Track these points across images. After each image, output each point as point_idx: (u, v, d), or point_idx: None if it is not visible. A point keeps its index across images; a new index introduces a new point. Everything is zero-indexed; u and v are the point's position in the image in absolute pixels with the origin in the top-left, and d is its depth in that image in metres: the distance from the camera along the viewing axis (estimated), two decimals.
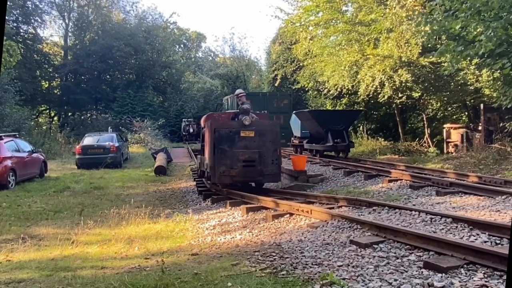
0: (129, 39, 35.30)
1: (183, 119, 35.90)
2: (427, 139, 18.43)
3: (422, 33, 11.58)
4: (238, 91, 10.70)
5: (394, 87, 15.66)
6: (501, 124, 12.94)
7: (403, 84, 15.39)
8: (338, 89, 17.95)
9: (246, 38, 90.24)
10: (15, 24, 30.79)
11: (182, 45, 50.52)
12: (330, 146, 14.76)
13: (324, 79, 18.54)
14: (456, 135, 15.65)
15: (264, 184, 9.45)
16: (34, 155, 13.78)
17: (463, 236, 4.43)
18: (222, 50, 53.94)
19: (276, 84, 29.08)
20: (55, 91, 36.53)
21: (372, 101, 19.49)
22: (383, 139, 20.02)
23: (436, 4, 10.68)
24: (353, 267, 3.82)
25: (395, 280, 3.40)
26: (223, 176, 8.35)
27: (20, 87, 23.83)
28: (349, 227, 5.18)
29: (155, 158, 18.01)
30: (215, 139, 8.38)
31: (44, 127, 30.44)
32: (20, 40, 30.81)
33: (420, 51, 13.60)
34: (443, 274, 3.44)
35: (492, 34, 8.60)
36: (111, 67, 36.97)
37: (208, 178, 9.18)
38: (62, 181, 13.41)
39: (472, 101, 15.93)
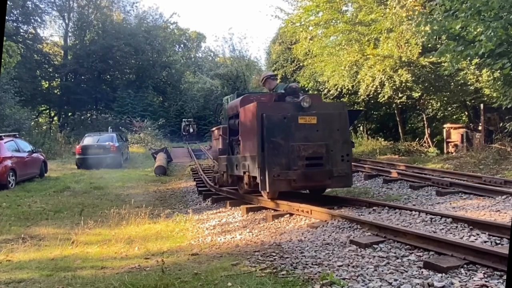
0: (129, 39, 35.33)
1: (183, 119, 35.93)
2: (427, 139, 18.43)
3: (422, 33, 11.57)
4: (266, 73, 8.43)
5: (394, 87, 15.65)
6: (501, 124, 12.94)
7: (403, 84, 15.38)
8: (338, 89, 17.94)
9: (246, 38, 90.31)
10: (15, 24, 30.80)
11: (182, 45, 50.51)
12: None
13: (324, 79, 18.53)
14: (456, 135, 15.65)
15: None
16: (34, 155, 13.78)
17: (463, 236, 4.43)
18: (222, 50, 54.04)
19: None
20: (55, 91, 36.55)
21: (372, 101, 19.48)
22: (383, 139, 20.02)
23: (436, 4, 10.68)
24: (353, 267, 3.82)
25: (395, 280, 3.40)
26: (277, 182, 6.19)
27: (20, 87, 23.86)
28: (349, 227, 5.18)
29: (155, 158, 18.01)
30: (264, 129, 6.24)
31: (44, 127, 30.43)
32: (20, 40, 30.84)
33: (420, 51, 13.60)
34: (443, 274, 3.44)
35: (492, 34, 8.60)
36: (111, 67, 37.00)
37: (250, 185, 6.98)
38: (62, 181, 13.41)
39: (472, 101, 15.93)
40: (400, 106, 19.41)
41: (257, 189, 6.80)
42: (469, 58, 10.36)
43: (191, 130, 34.85)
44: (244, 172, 7.03)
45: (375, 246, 4.36)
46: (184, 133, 34.75)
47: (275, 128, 6.28)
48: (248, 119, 6.86)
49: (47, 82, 36.75)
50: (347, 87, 17.39)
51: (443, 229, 4.75)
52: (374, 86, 15.67)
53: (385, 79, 15.40)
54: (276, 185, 6.27)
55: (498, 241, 4.22)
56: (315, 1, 17.16)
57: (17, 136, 14.21)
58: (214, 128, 10.51)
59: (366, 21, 15.57)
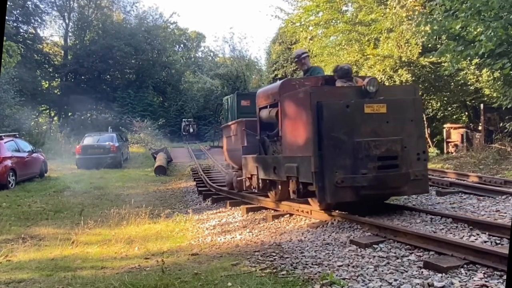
0: (129, 39, 35.35)
1: (183, 119, 35.93)
2: (427, 139, 18.42)
3: (422, 33, 11.58)
4: (299, 50, 7.25)
5: None
6: (501, 124, 12.94)
7: (403, 84, 15.36)
8: None
9: (246, 38, 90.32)
10: (15, 24, 30.81)
11: (182, 45, 50.51)
12: None
13: None
14: (456, 135, 15.64)
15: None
16: (34, 155, 13.79)
17: (463, 236, 4.43)
18: (222, 50, 53.91)
19: None
20: (55, 91, 36.55)
21: None
22: None
23: (436, 4, 10.69)
24: (353, 267, 3.82)
25: (395, 280, 3.40)
26: (341, 190, 4.95)
27: (20, 87, 23.84)
28: (349, 227, 5.18)
29: (155, 158, 18.02)
30: (322, 122, 4.97)
31: (44, 127, 30.37)
32: (20, 40, 30.83)
33: (420, 51, 13.60)
34: (443, 274, 3.44)
35: (492, 34, 8.60)
36: (111, 67, 37.01)
37: (299, 193, 5.58)
38: (62, 181, 13.41)
39: (472, 101, 15.93)
40: None
41: (307, 198, 5.74)
42: (469, 58, 10.36)
43: (191, 130, 34.87)
44: (289, 177, 5.65)
45: (375, 246, 4.36)
46: (184, 133, 34.77)
47: (336, 120, 4.98)
48: (295, 109, 5.48)
49: (47, 82, 36.75)
50: None
51: (443, 229, 4.75)
52: None
53: (385, 79, 15.39)
54: (340, 194, 4.96)
55: (498, 241, 4.21)
56: (315, 1, 17.17)
57: (17, 136, 14.22)
58: (231, 123, 9.32)
59: (366, 21, 15.58)
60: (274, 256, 4.36)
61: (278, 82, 6.33)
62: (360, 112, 5.06)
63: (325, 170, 4.97)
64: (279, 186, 6.40)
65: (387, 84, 15.46)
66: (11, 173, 11.74)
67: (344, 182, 4.95)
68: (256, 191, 7.12)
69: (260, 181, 6.74)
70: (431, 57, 11.74)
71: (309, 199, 5.87)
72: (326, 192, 5.01)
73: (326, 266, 3.90)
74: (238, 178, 7.91)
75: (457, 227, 4.77)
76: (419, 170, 5.27)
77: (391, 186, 5.16)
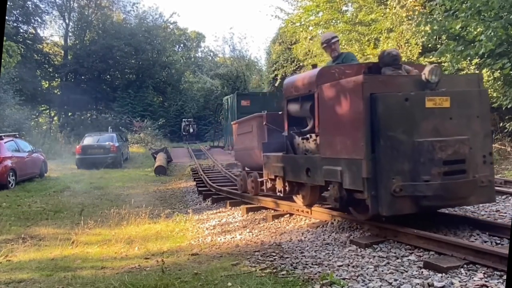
0: (129, 39, 35.35)
1: (183, 119, 35.95)
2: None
3: (422, 33, 11.58)
4: (328, 34, 6.27)
5: None
6: (501, 124, 12.94)
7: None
8: None
9: (246, 38, 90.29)
10: (15, 24, 30.80)
11: (182, 45, 50.53)
12: None
13: None
14: None
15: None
16: (34, 155, 13.79)
17: (463, 236, 4.43)
18: (222, 50, 53.94)
19: (276, 84, 29.11)
20: (55, 91, 36.54)
21: None
22: None
23: (436, 4, 10.69)
24: (353, 267, 3.82)
25: (395, 280, 3.41)
26: (399, 200, 4.16)
27: (20, 87, 23.86)
28: (349, 227, 5.18)
29: (155, 158, 18.03)
30: (378, 118, 4.19)
31: (44, 127, 30.46)
32: (20, 40, 30.84)
33: (420, 51, 13.59)
34: (443, 274, 3.44)
35: (492, 34, 8.61)
36: (111, 67, 37.01)
37: (342, 201, 4.78)
38: (62, 181, 13.42)
39: None
40: None
41: (351, 207, 4.97)
42: (469, 58, 10.35)
43: (191, 130, 34.88)
44: (330, 182, 4.87)
45: (375, 246, 4.36)
46: (184, 133, 34.78)
47: (394, 115, 4.19)
48: (339, 102, 4.61)
49: (47, 82, 36.76)
50: None
51: (443, 229, 4.75)
52: None
53: None
54: (397, 205, 4.17)
55: (498, 241, 4.22)
56: (315, 1, 17.18)
57: (17, 136, 14.22)
58: (245, 118, 8.46)
59: (366, 21, 15.58)
60: (274, 256, 4.36)
61: (314, 70, 5.41)
62: (421, 107, 4.25)
63: (379, 176, 4.18)
64: (309, 190, 5.73)
65: None
66: (11, 173, 11.74)
67: (403, 191, 4.14)
68: (281, 195, 6.28)
69: (286, 183, 6.00)
70: (431, 57, 11.74)
71: (354, 211, 5.06)
72: (380, 203, 4.18)
73: (326, 266, 3.90)
74: (260, 180, 7.09)
75: (457, 227, 4.77)
76: (486, 175, 4.50)
77: (459, 196, 4.32)
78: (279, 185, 6.16)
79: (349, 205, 4.96)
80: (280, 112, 6.58)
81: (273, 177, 6.32)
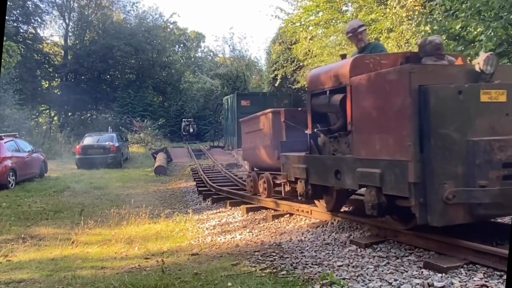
0: (129, 39, 35.33)
1: (183, 119, 35.95)
2: None
3: (422, 33, 11.57)
4: (353, 23, 6.02)
5: None
6: None
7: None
8: None
9: (246, 38, 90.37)
10: (15, 24, 30.79)
11: (181, 45, 50.54)
12: None
13: None
14: None
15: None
16: (34, 155, 13.79)
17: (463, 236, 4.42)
18: (222, 50, 53.93)
19: (276, 84, 29.10)
20: (55, 91, 36.53)
21: None
22: None
23: (436, 4, 10.69)
24: (353, 267, 3.83)
25: (395, 280, 3.41)
26: (451, 208, 3.63)
27: (20, 87, 23.86)
28: (349, 227, 5.18)
29: (155, 158, 18.03)
30: (427, 113, 3.67)
31: (44, 127, 30.43)
32: (20, 40, 30.82)
33: None
34: (443, 274, 3.44)
35: (492, 34, 8.60)
36: (111, 67, 37.01)
37: (380, 209, 4.14)
38: (62, 181, 13.42)
39: None
40: None
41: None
42: (469, 58, 10.35)
43: (191, 130, 34.89)
44: (367, 186, 4.28)
45: (375, 246, 4.37)
46: (184, 133, 34.79)
47: (446, 110, 3.67)
48: (379, 96, 4.09)
49: (47, 82, 36.75)
50: None
51: (443, 229, 4.75)
52: None
53: None
54: (449, 214, 3.64)
55: (498, 241, 4.21)
56: (315, 1, 17.17)
57: (17, 136, 14.22)
58: (257, 114, 7.79)
59: (366, 21, 15.57)
60: (274, 256, 4.36)
61: (346, 61, 4.83)
62: (475, 101, 3.74)
63: (429, 180, 3.64)
64: (335, 194, 5.32)
65: None
66: (11, 173, 11.74)
67: (456, 198, 3.59)
68: (303, 199, 5.72)
69: (309, 186, 5.42)
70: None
71: (389, 217, 4.57)
72: (430, 211, 3.65)
73: (326, 266, 3.90)
74: (281, 181, 6.47)
75: (457, 227, 4.77)
76: None
77: None
78: (300, 188, 5.55)
79: (388, 213, 4.42)
80: (299, 109, 6.24)
81: (293, 179, 5.76)
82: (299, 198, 5.72)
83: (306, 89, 5.46)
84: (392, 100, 3.92)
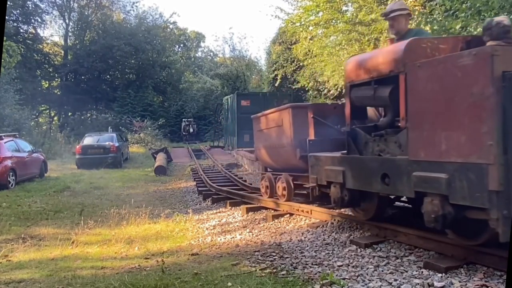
0: (129, 39, 35.35)
1: (183, 119, 35.97)
2: None
3: None
4: (394, 5, 4.75)
5: None
6: None
7: None
8: (339, 89, 17.92)
9: (246, 38, 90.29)
10: (15, 24, 30.80)
11: (181, 45, 50.55)
12: None
13: (324, 79, 18.51)
14: None
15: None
16: (34, 155, 13.79)
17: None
18: (222, 50, 53.94)
19: (276, 84, 29.09)
20: (55, 91, 36.54)
21: None
22: None
23: (436, 4, 10.69)
24: (353, 267, 3.83)
25: (395, 280, 3.41)
26: None
27: (20, 86, 23.85)
28: (349, 227, 5.18)
29: (155, 158, 18.03)
30: None
31: (44, 127, 30.42)
32: (20, 40, 30.81)
33: None
34: (443, 274, 3.44)
35: None
36: (111, 67, 37.02)
37: (445, 222, 3.44)
38: (62, 181, 13.41)
39: None
40: None
41: (463, 232, 3.66)
42: None
43: (191, 130, 34.90)
44: (427, 194, 3.55)
45: (375, 246, 4.37)
46: (184, 133, 34.80)
47: None
48: (445, 84, 3.40)
49: (47, 82, 36.76)
50: None
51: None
52: None
53: None
54: None
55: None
56: (315, 1, 17.15)
57: (17, 136, 14.22)
58: (273, 109, 7.20)
59: (366, 21, 15.56)
60: (274, 256, 4.36)
61: (399, 44, 4.09)
62: None
63: None
64: (377, 201, 4.71)
65: None
66: (11, 173, 11.74)
67: None
68: (337, 206, 5.06)
69: (346, 192, 4.71)
70: None
71: (451, 231, 3.79)
72: None
73: (326, 266, 3.90)
74: (308, 185, 5.77)
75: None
76: None
77: None
78: (335, 193, 4.84)
79: (452, 226, 3.60)
80: (328, 103, 5.70)
81: (325, 183, 5.09)
82: (332, 205, 5.11)
83: (344, 80, 4.77)
84: (466, 89, 3.21)
